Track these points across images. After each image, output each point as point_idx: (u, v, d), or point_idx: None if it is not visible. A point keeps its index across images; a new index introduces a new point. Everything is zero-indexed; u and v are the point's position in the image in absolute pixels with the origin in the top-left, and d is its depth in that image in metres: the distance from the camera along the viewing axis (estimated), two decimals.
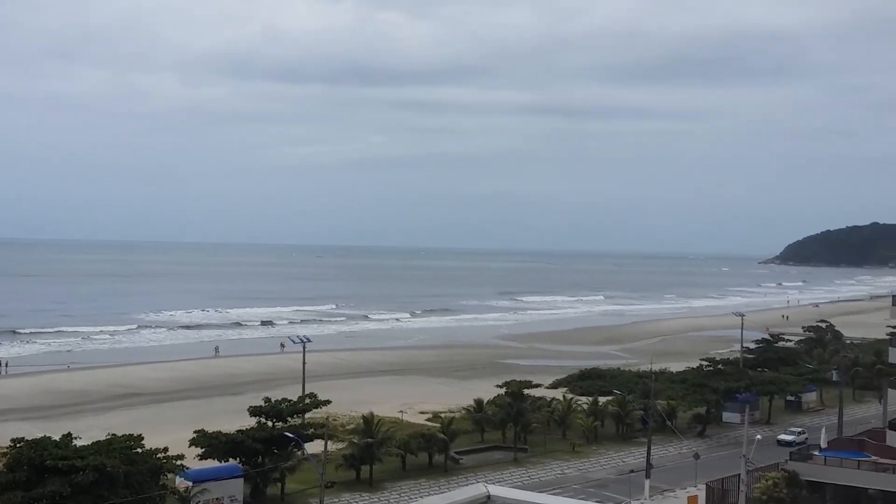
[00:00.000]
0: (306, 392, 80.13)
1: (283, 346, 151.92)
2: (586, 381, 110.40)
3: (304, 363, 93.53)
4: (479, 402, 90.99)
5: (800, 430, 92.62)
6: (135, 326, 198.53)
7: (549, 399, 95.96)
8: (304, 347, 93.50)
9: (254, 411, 70.64)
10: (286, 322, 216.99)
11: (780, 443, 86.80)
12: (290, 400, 73.23)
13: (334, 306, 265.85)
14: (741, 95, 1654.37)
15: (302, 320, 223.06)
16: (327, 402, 77.42)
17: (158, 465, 57.00)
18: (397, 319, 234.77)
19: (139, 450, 57.03)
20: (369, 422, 74.88)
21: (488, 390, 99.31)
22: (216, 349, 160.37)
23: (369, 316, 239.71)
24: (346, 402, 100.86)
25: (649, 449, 72.99)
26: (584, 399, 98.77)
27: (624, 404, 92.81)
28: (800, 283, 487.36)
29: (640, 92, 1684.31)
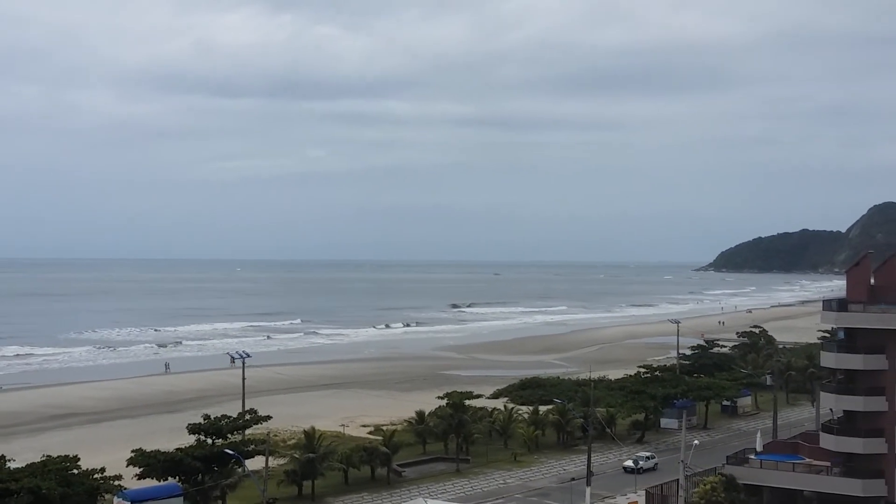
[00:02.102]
0: (247, 408, 79.16)
1: (233, 360, 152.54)
2: (527, 390, 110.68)
3: (243, 379, 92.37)
4: (420, 414, 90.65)
5: (648, 454, 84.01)
6: (69, 346, 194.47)
7: (490, 409, 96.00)
8: (244, 363, 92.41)
9: (193, 429, 69.57)
10: (228, 338, 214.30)
11: (626, 469, 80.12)
12: (231, 416, 72.29)
13: (277, 322, 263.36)
14: (674, 107, 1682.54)
15: (244, 336, 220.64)
16: (268, 418, 76.58)
17: (95, 486, 55.87)
18: (342, 333, 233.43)
19: (75, 471, 55.85)
20: (311, 436, 74.15)
21: (430, 402, 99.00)
22: (166, 366, 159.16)
23: (316, 331, 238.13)
24: (288, 417, 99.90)
25: (589, 457, 73.35)
26: (525, 408, 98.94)
27: (564, 413, 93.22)
28: (734, 290, 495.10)
29: (576, 104, 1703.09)
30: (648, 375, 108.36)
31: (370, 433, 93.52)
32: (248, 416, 72.92)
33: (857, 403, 64.77)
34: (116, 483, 57.24)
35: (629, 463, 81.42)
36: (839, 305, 66.81)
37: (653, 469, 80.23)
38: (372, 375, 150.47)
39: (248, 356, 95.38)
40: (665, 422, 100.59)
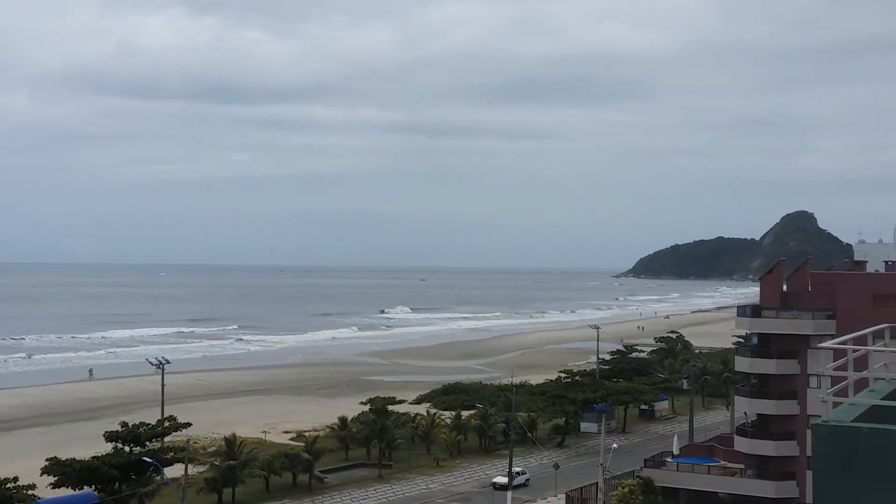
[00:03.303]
0: (167, 415, 77.64)
1: (91, 371, 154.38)
2: (450, 395, 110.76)
3: (163, 385, 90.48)
4: (343, 420, 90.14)
5: (519, 469, 79.83)
6: None
7: (413, 415, 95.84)
8: (163, 370, 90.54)
9: (110, 436, 67.95)
10: (151, 344, 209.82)
11: (496, 486, 76.79)
12: (149, 424, 70.77)
13: (201, 328, 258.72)
14: (597, 116, 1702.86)
15: (167, 342, 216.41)
16: (188, 425, 75.23)
17: (7, 495, 54.14)
18: (266, 339, 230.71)
19: None
20: (231, 443, 73.18)
21: (353, 408, 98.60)
22: (90, 371, 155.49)
23: (240, 337, 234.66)
24: (208, 424, 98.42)
25: (511, 461, 73.64)
26: (447, 414, 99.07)
27: (486, 418, 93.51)
28: (655, 296, 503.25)
29: (502, 112, 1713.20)
30: (569, 380, 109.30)
31: (292, 439, 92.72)
32: (167, 424, 71.46)
33: (769, 407, 66.19)
34: (30, 493, 55.58)
35: (499, 479, 77.46)
36: (753, 311, 68.23)
37: (524, 485, 77.47)
38: (296, 381, 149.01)
39: (168, 362, 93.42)
40: (585, 426, 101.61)
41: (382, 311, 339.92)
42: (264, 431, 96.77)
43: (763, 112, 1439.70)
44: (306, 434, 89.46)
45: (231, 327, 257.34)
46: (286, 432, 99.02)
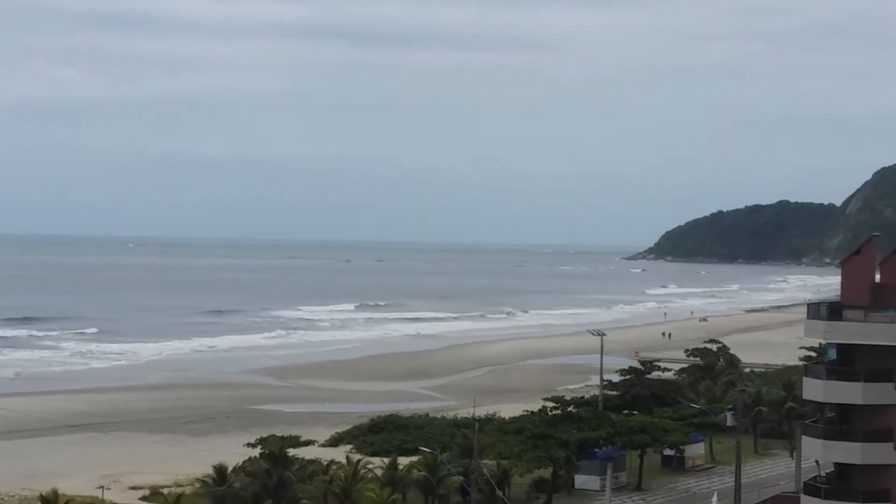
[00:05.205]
0: None
1: None
2: (380, 434, 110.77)
3: None
4: (221, 470, 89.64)
5: None
6: None
7: (326, 462, 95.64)
8: None
9: None
10: None
11: None
12: None
13: (8, 330, 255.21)
14: (607, 18, 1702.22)
15: None
16: None
17: None
18: (104, 348, 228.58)
19: None
20: None
21: (236, 451, 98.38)
22: None
23: (58, 344, 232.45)
24: (15, 475, 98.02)
25: None
26: (377, 461, 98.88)
27: (435, 467, 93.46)
28: (684, 288, 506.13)
29: (462, 8, 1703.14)
30: (559, 412, 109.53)
31: (144, 499, 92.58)
32: None
33: (853, 453, 66.59)
34: None
35: None
36: (830, 312, 68.37)
37: None
38: (149, 411, 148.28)
39: None
40: (582, 479, 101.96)
41: (278, 308, 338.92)
42: (102, 487, 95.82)
43: (845, 14, 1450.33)
44: (165, 491, 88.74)
45: (56, 332, 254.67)
46: (134, 488, 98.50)
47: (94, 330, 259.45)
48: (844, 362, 67.89)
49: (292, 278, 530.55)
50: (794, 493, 79.53)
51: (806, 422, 77.31)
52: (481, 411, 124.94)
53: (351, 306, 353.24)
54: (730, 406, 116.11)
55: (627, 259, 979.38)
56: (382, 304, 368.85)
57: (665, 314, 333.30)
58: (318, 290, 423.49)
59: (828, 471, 71.15)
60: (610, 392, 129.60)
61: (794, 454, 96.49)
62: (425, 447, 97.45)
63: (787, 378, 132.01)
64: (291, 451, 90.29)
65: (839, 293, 69.85)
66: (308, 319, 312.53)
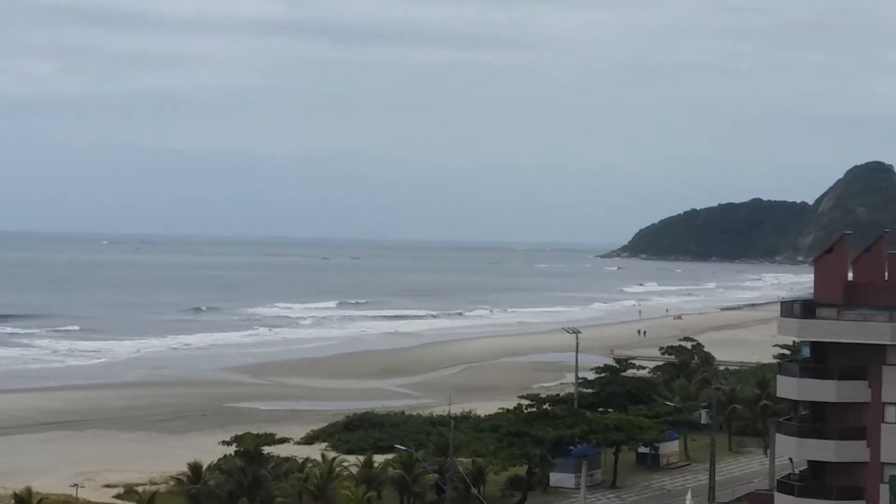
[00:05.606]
0: None
1: None
2: (356, 431, 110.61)
3: None
4: (196, 468, 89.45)
5: None
6: None
7: (301, 460, 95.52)
8: None
9: None
10: None
11: None
12: None
13: None
14: (595, 16, 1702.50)
15: None
16: None
17: None
18: (79, 347, 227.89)
19: None
20: (24, 502, 72.50)
21: (211, 449, 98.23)
22: None
23: (31, 342, 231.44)
24: None
25: None
26: (352, 459, 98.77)
27: (411, 465, 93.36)
28: (660, 286, 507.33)
29: (445, 7, 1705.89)
30: (534, 410, 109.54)
31: (118, 497, 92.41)
32: None
33: (826, 450, 66.77)
34: None
35: None
36: (804, 310, 68.52)
37: None
38: (125, 409, 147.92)
39: None
40: (557, 477, 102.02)
41: (253, 306, 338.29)
42: (76, 485, 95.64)
43: (822, 12, 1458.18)
44: (139, 489, 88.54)
45: (36, 329, 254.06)
46: (109, 486, 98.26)
47: (75, 327, 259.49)
48: (818, 360, 68.08)
49: (272, 275, 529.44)
50: (768, 490, 79.61)
51: (780, 419, 77.53)
52: (457, 409, 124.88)
53: (332, 303, 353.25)
54: (704, 404, 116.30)
55: (602, 257, 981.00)
56: (363, 301, 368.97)
57: (640, 312, 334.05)
58: (298, 288, 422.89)
59: (801, 468, 71.35)
60: (585, 390, 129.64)
61: (769, 452, 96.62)
62: (401, 445, 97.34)
63: (761, 376, 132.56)
64: (267, 449, 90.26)
65: (813, 291, 70.00)
66: (287, 317, 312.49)
